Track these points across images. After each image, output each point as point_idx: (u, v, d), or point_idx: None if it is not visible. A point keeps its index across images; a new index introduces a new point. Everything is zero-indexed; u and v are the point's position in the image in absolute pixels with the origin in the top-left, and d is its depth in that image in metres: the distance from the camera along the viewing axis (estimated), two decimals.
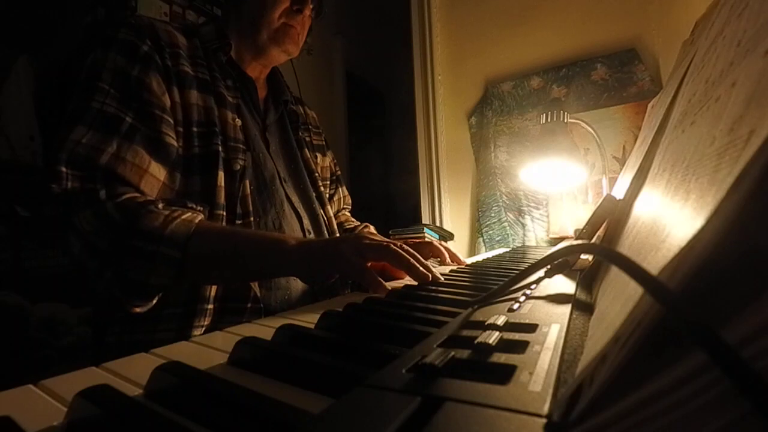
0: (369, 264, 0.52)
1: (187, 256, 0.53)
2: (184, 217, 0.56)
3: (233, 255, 0.55)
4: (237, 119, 0.70)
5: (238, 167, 0.66)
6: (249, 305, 0.63)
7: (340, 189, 1.02)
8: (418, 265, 0.52)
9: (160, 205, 0.56)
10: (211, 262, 0.55)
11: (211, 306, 0.61)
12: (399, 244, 0.55)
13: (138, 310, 0.56)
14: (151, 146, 0.59)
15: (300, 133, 0.88)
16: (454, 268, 0.74)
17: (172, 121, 0.62)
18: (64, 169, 0.54)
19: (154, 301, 0.57)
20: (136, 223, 0.53)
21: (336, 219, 0.98)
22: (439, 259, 0.80)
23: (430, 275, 0.52)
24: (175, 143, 0.62)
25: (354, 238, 0.55)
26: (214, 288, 0.62)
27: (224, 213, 0.64)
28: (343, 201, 1.04)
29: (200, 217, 0.58)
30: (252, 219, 0.67)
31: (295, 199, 0.78)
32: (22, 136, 1.32)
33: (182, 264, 0.53)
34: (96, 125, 0.56)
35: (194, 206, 0.60)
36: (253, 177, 0.71)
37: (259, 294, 0.64)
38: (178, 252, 0.53)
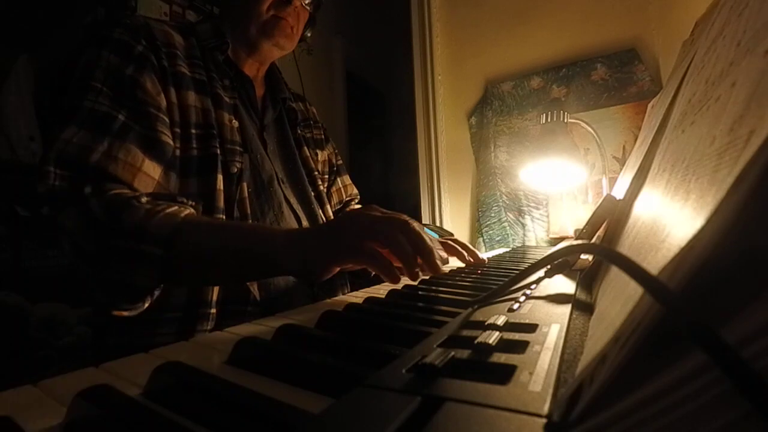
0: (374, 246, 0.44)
1: (170, 255, 0.49)
2: (168, 211, 0.52)
3: (218, 251, 0.50)
4: (234, 121, 0.69)
5: (235, 170, 0.66)
6: (249, 308, 0.62)
7: (338, 179, 0.97)
8: (415, 268, 0.44)
9: (144, 199, 0.53)
10: (196, 260, 0.51)
11: (213, 310, 0.61)
12: (408, 223, 0.45)
13: (125, 313, 0.52)
14: (144, 144, 0.57)
15: (299, 131, 0.86)
16: (455, 268, 0.73)
17: (167, 120, 0.61)
18: (52, 169, 0.52)
19: (146, 304, 0.53)
20: (118, 219, 0.50)
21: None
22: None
23: (420, 276, 0.46)
24: (170, 142, 0.60)
25: (355, 215, 0.47)
26: (215, 292, 0.61)
27: (224, 217, 0.63)
28: (345, 192, 0.98)
29: (187, 211, 0.54)
30: (250, 222, 0.66)
31: (293, 200, 0.77)
32: (22, 136, 1.32)
33: (166, 263, 0.49)
34: (87, 124, 0.54)
35: (184, 201, 0.57)
36: (251, 179, 0.70)
37: (258, 297, 0.63)
38: (160, 249, 0.49)
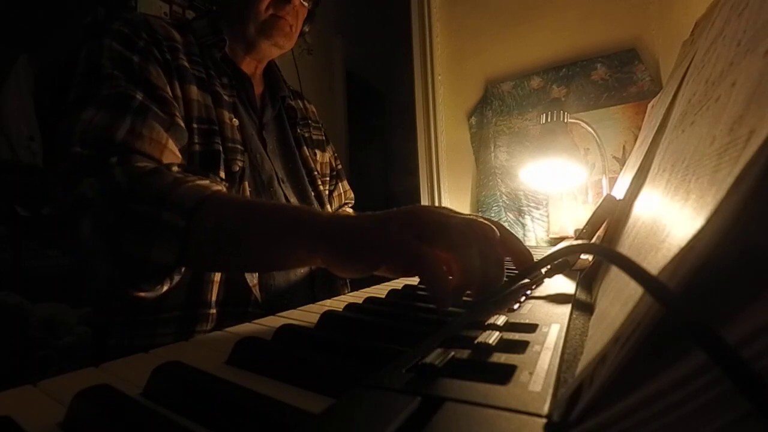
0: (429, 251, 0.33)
1: (192, 227, 0.44)
2: (199, 182, 0.48)
3: (244, 228, 0.43)
4: (234, 119, 0.69)
5: (237, 169, 0.65)
6: (249, 309, 0.62)
7: (340, 184, 0.97)
8: (466, 290, 0.34)
9: (174, 168, 0.50)
10: (217, 238, 0.45)
11: (213, 311, 0.60)
12: (493, 228, 0.35)
13: (144, 294, 0.47)
14: (165, 124, 0.55)
15: (298, 130, 0.85)
16: None
17: (178, 107, 0.60)
18: (79, 150, 0.49)
19: (165, 287, 0.48)
20: (141, 184, 0.46)
21: None
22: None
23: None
24: (185, 128, 0.59)
25: (421, 207, 0.37)
26: (215, 292, 0.61)
27: None
28: (344, 196, 0.99)
29: (219, 186, 0.50)
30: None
31: (293, 200, 0.77)
32: (22, 136, 1.32)
33: (187, 236, 0.44)
34: (105, 105, 0.53)
35: (217, 179, 0.54)
36: (251, 179, 0.69)
37: (259, 298, 0.63)
38: (182, 220, 0.44)
